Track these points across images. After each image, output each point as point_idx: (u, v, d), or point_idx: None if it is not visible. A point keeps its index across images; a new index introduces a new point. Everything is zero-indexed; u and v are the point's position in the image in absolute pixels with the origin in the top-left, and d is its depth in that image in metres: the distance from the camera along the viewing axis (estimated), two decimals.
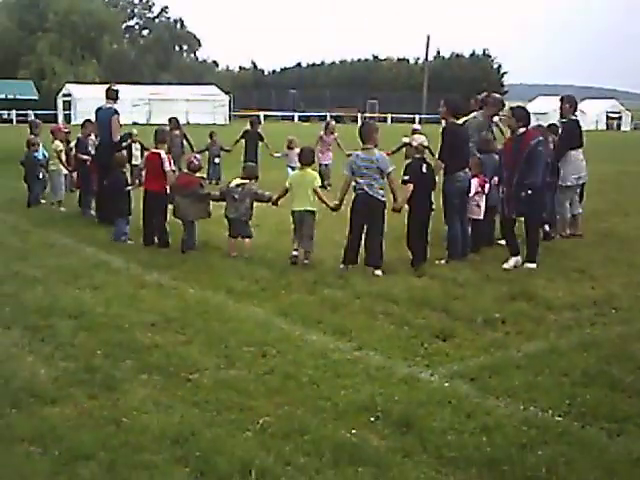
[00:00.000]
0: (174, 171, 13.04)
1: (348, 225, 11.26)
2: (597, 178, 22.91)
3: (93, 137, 16.65)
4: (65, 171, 17.43)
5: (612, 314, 9.15)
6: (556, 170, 13.65)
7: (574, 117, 14.42)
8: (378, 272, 10.91)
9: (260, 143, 22.05)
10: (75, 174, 17.33)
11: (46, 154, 17.44)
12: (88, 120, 17.12)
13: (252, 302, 9.34)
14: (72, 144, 17.83)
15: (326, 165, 21.70)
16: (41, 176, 17.54)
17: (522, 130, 11.39)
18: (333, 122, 23.88)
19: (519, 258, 11.40)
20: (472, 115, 13.49)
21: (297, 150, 20.60)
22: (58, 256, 11.89)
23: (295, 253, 11.44)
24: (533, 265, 11.37)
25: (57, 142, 17.08)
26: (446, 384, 6.80)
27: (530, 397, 6.51)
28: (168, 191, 12.61)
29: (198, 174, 12.76)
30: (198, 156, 13.33)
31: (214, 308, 9.00)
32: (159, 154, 12.88)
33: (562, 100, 14.45)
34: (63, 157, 17.09)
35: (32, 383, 6.63)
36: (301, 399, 6.40)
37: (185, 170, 13.04)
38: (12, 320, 8.49)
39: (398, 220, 11.64)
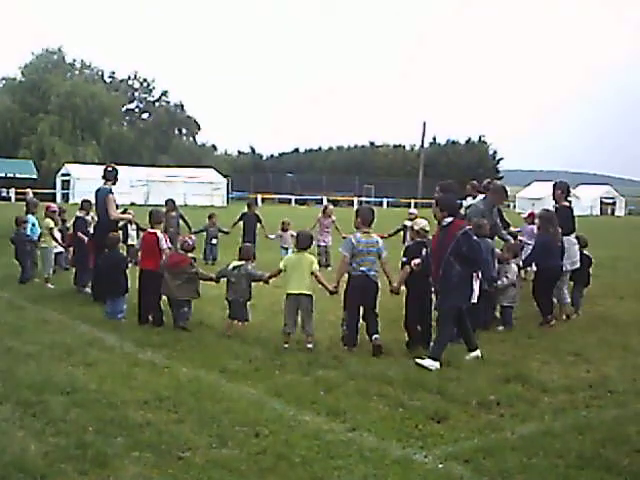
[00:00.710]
0: (170, 249, 13.08)
1: (345, 308, 11.35)
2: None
3: (89, 217, 16.79)
4: (58, 249, 17.59)
5: (607, 397, 9.11)
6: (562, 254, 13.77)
7: (566, 203, 14.51)
8: (377, 336, 11.03)
9: (258, 225, 22.26)
10: (71, 252, 17.41)
11: (38, 231, 17.58)
12: (86, 200, 17.27)
13: (246, 382, 9.28)
14: (69, 223, 17.99)
15: (325, 246, 21.78)
16: (30, 252, 17.64)
17: (448, 220, 10.90)
18: (331, 206, 24.10)
19: (477, 353, 10.82)
20: (473, 201, 13.57)
21: (291, 232, 20.95)
22: (52, 333, 11.84)
23: (286, 346, 11.23)
24: (434, 364, 10.26)
25: (47, 220, 17.23)
26: (440, 465, 6.76)
27: (524, 479, 6.49)
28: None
29: (190, 254, 12.82)
30: (193, 237, 13.43)
31: (207, 387, 8.94)
32: (155, 233, 13.06)
33: (554, 186, 14.58)
34: (56, 234, 17.21)
35: (22, 458, 6.56)
36: None
37: (179, 250, 13.04)
38: (4, 395, 8.43)
39: (393, 302, 11.67)
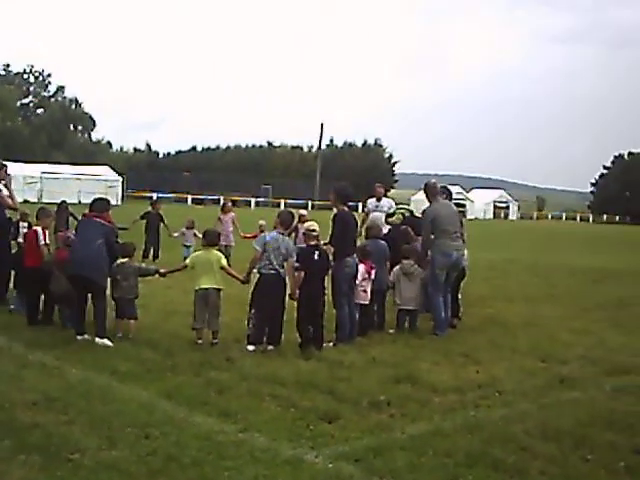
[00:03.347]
0: (47, 244, 12.90)
1: (253, 306, 11.44)
2: (484, 265, 23.48)
3: None
4: None
5: (495, 397, 9.31)
6: None
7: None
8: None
9: (161, 224, 22.41)
10: None
11: None
12: None
13: (137, 383, 9.18)
14: None
15: (225, 245, 21.71)
16: None
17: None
18: (229, 203, 24.07)
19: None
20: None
21: (194, 230, 21.00)
22: None
23: (200, 341, 11.44)
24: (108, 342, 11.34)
25: None
26: (330, 465, 6.79)
27: (414, 478, 6.57)
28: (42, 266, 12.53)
29: None
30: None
31: (97, 389, 8.81)
32: (36, 230, 12.87)
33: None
34: None
35: None
36: None
37: (64, 247, 12.82)
38: None
39: (287, 304, 11.71)
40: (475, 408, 8.80)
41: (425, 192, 13.93)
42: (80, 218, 12.33)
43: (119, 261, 12.00)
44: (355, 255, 12.13)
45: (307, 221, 14.10)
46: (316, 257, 11.51)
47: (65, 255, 12.28)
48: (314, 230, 11.69)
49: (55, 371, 9.58)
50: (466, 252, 14.18)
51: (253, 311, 11.43)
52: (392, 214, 16.13)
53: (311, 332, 11.42)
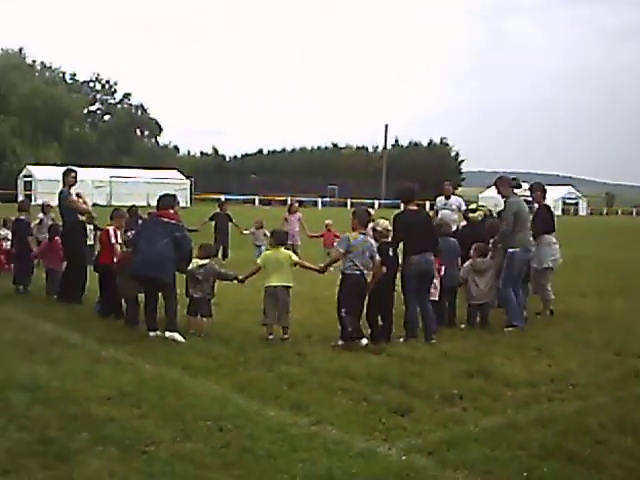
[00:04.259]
0: (120, 244, 13.16)
1: (342, 305, 11.36)
2: None
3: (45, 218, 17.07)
4: None
5: (569, 390, 9.19)
6: None
7: (546, 203, 14.64)
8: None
9: (230, 223, 22.76)
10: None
11: None
12: (22, 201, 17.44)
13: (209, 378, 9.23)
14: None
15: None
16: None
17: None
18: (296, 203, 24.21)
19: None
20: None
21: (263, 230, 21.08)
22: (15, 331, 11.76)
23: (271, 337, 11.53)
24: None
25: None
26: (404, 457, 6.76)
27: (487, 470, 6.50)
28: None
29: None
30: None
31: (170, 383, 8.89)
32: (108, 230, 13.33)
33: (533, 188, 14.48)
34: None
35: None
36: (258, 472, 6.34)
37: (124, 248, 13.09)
38: None
39: None
40: (548, 401, 8.70)
41: (499, 186, 13.51)
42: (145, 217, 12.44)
43: (201, 262, 12.11)
44: (427, 253, 11.95)
45: (373, 220, 14.12)
46: (390, 254, 11.68)
47: (123, 256, 12.54)
48: (390, 229, 11.82)
49: (128, 367, 9.69)
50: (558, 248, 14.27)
51: (344, 310, 11.38)
52: (474, 210, 15.92)
53: (381, 325, 11.61)
